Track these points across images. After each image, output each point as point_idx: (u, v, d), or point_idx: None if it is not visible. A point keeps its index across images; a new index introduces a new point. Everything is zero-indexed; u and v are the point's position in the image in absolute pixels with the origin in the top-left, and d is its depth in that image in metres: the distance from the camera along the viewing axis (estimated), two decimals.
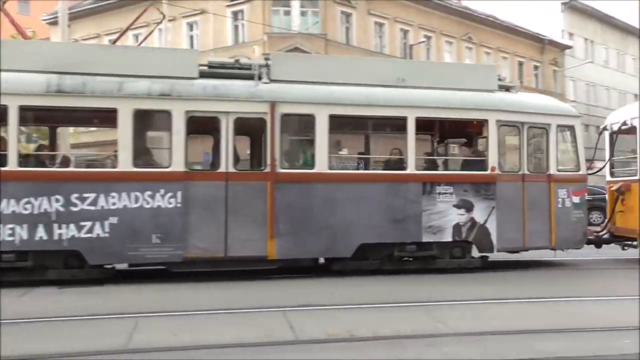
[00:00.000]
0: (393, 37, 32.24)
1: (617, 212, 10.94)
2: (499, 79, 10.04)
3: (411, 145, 9.01)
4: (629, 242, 10.90)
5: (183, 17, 30.77)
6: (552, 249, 9.89)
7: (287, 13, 28.73)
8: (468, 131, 10.56)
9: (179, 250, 8.12)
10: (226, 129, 8.41)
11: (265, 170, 8.48)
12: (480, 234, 9.23)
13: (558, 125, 9.92)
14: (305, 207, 8.57)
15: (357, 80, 9.06)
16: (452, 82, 9.43)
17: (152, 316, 6.17)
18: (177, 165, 8.18)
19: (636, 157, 10.60)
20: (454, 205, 9.11)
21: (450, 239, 9.11)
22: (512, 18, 38.12)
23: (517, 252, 9.87)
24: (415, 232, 8.95)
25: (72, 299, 7.27)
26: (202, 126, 8.83)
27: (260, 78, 8.73)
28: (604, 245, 11.12)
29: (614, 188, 11.02)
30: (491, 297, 7.37)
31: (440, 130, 10.80)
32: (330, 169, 8.82)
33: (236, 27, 29.88)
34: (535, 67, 40.59)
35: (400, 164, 9.22)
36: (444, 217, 9.07)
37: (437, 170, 9.81)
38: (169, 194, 8.10)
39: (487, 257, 9.56)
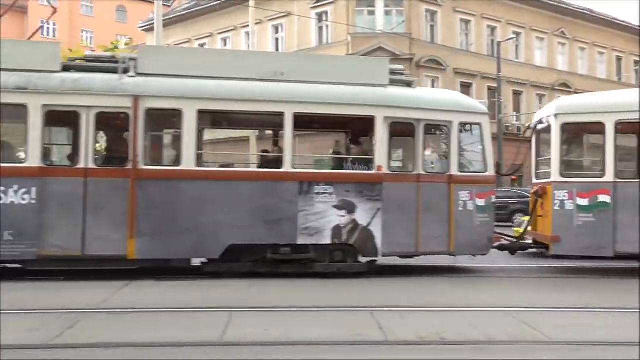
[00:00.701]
0: (480, 35, 31.37)
1: (537, 217, 9.98)
2: (398, 73, 9.40)
3: (288, 142, 8.58)
4: (542, 250, 10.03)
5: (268, 20, 31.43)
6: (450, 255, 9.13)
7: (372, 13, 28.67)
8: (357, 128, 9.99)
9: (33, 247, 7.89)
10: (86, 123, 8.16)
11: (127, 167, 8.19)
12: (363, 237, 8.67)
13: (461, 123, 9.22)
14: (170, 206, 8.22)
15: (232, 74, 8.60)
16: (338, 76, 8.90)
17: (245, 311, 6.33)
18: (33, 160, 8.00)
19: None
20: (334, 206, 8.60)
21: (329, 242, 8.61)
22: (609, 10, 36.04)
23: (409, 257, 9.22)
24: (290, 233, 8.49)
25: (168, 291, 7.62)
26: (62, 121, 8.69)
27: (126, 71, 8.42)
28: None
29: (533, 191, 10.20)
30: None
31: (326, 127, 10.38)
32: (200, 167, 8.52)
33: (320, 28, 30.17)
34: (636, 62, 38.11)
35: (277, 162, 8.77)
36: (323, 218, 8.57)
37: (323, 169, 9.34)
38: (23, 190, 7.90)
39: (374, 261, 9.00)
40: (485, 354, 4.89)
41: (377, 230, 8.68)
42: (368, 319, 5.92)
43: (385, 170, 8.76)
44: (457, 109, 9.31)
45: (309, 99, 8.67)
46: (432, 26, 29.82)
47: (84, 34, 56.02)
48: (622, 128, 9.27)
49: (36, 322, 5.60)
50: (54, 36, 55.16)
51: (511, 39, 30.63)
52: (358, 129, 10.05)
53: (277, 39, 32.00)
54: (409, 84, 9.41)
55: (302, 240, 8.54)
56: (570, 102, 10.62)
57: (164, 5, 23.72)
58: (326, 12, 29.46)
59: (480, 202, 9.14)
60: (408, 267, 9.57)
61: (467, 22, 31.03)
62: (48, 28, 55.96)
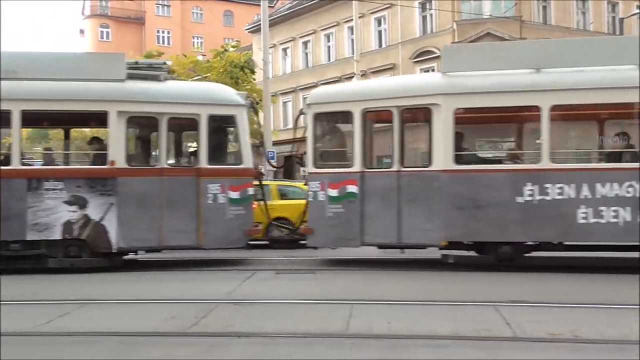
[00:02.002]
0: (598, 12, 29.26)
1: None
2: (143, 68, 9.33)
3: (16, 140, 8.77)
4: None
5: (371, 12, 31.31)
6: (200, 248, 9.06)
7: None
8: (95, 124, 10.13)
9: None
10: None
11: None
12: (95, 232, 8.64)
13: (211, 116, 9.06)
14: None
15: None
16: (72, 72, 8.88)
17: (366, 304, 6.36)
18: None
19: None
20: (65, 202, 8.61)
21: (59, 237, 8.61)
22: None
23: (154, 251, 9.34)
24: (18, 230, 8.52)
25: (287, 283, 7.85)
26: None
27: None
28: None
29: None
30: None
31: (63, 123, 10.49)
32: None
33: (424, 17, 29.59)
34: None
35: (6, 160, 8.82)
36: (53, 214, 8.58)
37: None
38: None
39: (121, 256, 9.09)
40: (625, 354, 4.55)
41: (111, 224, 8.70)
42: (492, 314, 5.72)
43: (119, 165, 8.75)
44: (207, 102, 9.22)
45: (36, 96, 8.75)
46: (544, 7, 28.24)
47: (195, 39, 58.91)
48: (371, 116, 9.26)
49: (172, 311, 5.97)
50: (168, 44, 58.60)
51: (636, 14, 28.24)
52: (96, 124, 10.19)
53: (379, 32, 31.83)
54: (155, 78, 9.28)
55: (31, 236, 8.63)
56: (323, 91, 10.62)
57: (268, 6, 24.35)
58: (430, 1, 28.85)
59: (234, 194, 9.06)
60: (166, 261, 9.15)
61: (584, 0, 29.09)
62: (162, 37, 59.56)
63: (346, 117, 9.19)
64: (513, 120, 9.81)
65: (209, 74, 25.67)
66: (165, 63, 9.77)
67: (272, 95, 26.01)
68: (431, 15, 29.03)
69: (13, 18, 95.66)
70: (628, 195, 8.03)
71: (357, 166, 8.93)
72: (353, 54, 27.63)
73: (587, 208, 8.13)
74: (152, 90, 9.18)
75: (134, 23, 58.98)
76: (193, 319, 5.57)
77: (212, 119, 9.17)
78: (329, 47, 34.81)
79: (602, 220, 8.09)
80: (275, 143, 23.67)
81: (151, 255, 10.04)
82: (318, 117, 9.35)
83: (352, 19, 27.46)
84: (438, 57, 28.72)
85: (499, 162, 9.26)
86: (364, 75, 27.24)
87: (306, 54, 36.52)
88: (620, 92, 8.19)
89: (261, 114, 18.66)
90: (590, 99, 8.38)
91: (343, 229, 8.90)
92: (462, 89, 8.62)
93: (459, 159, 8.57)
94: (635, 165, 8.10)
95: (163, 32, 59.58)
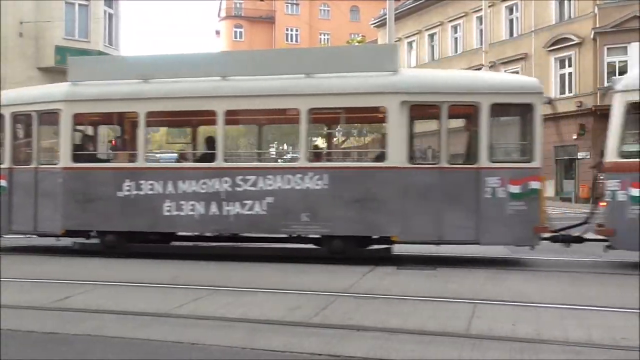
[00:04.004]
0: None
1: None
2: None
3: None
4: None
5: (502, 1, 30.00)
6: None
7: None
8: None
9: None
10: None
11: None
12: None
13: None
14: None
15: None
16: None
17: (489, 304, 6.15)
18: None
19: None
20: None
21: None
22: None
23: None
24: None
25: (407, 279, 7.79)
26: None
27: None
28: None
29: None
30: None
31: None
32: None
33: (561, 3, 27.79)
34: None
35: None
36: None
37: None
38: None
39: None
40: None
41: None
42: (633, 322, 5.27)
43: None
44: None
45: None
46: None
47: (322, 36, 60.11)
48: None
49: (297, 302, 6.20)
50: (296, 41, 60.43)
51: None
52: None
53: (510, 20, 30.38)
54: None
55: None
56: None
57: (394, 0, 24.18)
58: None
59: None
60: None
61: None
62: (291, 35, 61.48)
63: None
64: (119, 124, 11.46)
65: None
66: None
67: None
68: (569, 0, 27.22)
69: (150, 20, 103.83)
70: (202, 191, 9.22)
71: (7, 163, 10.16)
72: (481, 44, 26.68)
73: (171, 202, 9.36)
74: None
75: (265, 22, 61.54)
76: (314, 310, 5.74)
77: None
78: (455, 38, 33.91)
79: (182, 213, 9.29)
80: None
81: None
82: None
83: (481, 9, 26.45)
84: (577, 44, 26.83)
85: (108, 161, 10.75)
86: (492, 66, 26.16)
87: (432, 46, 35.86)
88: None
89: None
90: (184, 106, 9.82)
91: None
92: (79, 97, 9.93)
93: (76, 158, 9.81)
94: (212, 164, 9.33)
95: (291, 29, 61.53)
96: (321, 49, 26.03)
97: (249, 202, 9.10)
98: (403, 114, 8.80)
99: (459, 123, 10.19)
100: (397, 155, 8.77)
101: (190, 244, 10.38)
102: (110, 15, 23.66)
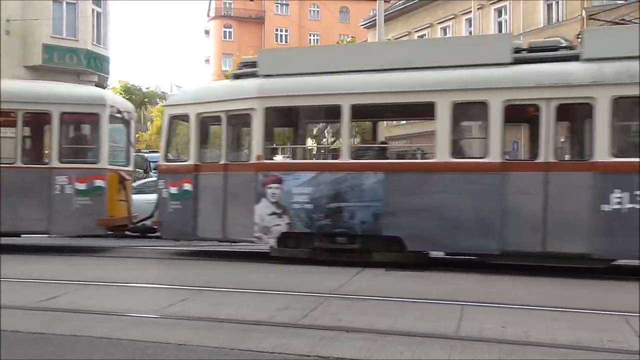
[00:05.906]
0: None
1: None
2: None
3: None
4: None
5: (491, 3, 30.15)
6: None
7: None
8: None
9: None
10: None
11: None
12: None
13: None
14: None
15: None
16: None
17: (478, 306, 6.15)
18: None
19: None
20: None
21: None
22: None
23: None
24: None
25: (397, 281, 7.79)
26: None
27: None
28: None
29: None
30: None
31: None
32: None
33: (549, 6, 27.97)
34: None
35: None
36: None
37: None
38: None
39: None
40: None
41: None
42: (620, 325, 5.30)
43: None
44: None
45: None
46: None
47: (311, 36, 60.03)
48: None
49: (285, 302, 6.15)
50: (285, 41, 60.32)
51: None
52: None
53: (499, 23, 30.54)
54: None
55: None
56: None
57: (384, 1, 24.19)
58: None
59: None
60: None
61: None
62: (280, 35, 61.38)
63: None
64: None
65: None
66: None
67: None
68: (557, 3, 27.39)
69: (137, 21, 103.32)
70: None
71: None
72: None
73: None
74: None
75: (254, 22, 61.35)
76: (303, 311, 5.71)
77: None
78: None
79: None
80: None
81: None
82: None
83: (470, 11, 26.53)
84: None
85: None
86: None
87: None
88: None
89: None
90: None
91: None
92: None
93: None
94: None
95: (281, 30, 61.40)
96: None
97: None
98: None
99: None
100: None
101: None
102: (98, 14, 23.44)
